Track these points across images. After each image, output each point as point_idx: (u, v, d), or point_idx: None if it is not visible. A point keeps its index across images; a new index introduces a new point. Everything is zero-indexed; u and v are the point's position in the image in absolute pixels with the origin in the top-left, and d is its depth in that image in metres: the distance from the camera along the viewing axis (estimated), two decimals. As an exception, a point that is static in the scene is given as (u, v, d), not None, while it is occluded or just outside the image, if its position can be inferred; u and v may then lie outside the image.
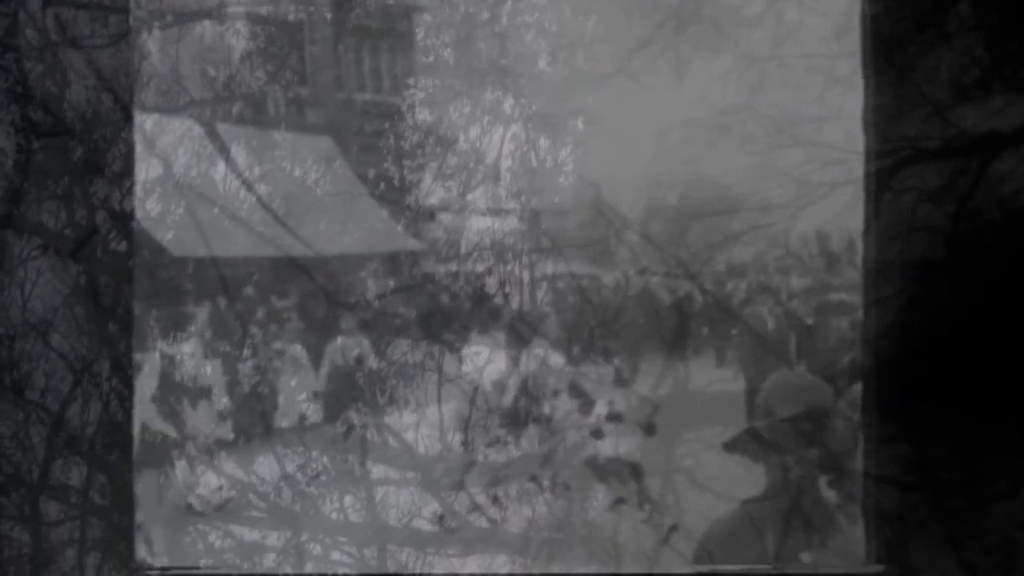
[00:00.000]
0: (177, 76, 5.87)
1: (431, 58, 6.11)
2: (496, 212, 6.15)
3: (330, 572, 5.71)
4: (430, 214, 6.20)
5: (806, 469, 5.45)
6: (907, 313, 5.16)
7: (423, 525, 5.90)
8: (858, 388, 5.42)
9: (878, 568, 5.32)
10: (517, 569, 5.83)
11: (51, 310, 5.45)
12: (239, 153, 6.04)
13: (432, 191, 6.17)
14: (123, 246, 5.59)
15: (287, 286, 6.11)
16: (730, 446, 5.73)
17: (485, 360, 6.10)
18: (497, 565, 5.81)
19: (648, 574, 5.70)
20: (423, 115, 6.12)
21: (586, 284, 6.36)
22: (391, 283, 6.14)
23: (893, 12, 5.06)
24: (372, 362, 5.97)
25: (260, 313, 6.15)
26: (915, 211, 5.13)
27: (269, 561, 5.79)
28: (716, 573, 5.63)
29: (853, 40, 5.18)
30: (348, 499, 5.90)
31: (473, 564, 5.81)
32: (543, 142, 6.05)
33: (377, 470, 6.00)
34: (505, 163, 6.15)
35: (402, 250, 6.21)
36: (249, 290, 6.22)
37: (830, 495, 5.40)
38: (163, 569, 5.48)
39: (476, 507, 5.89)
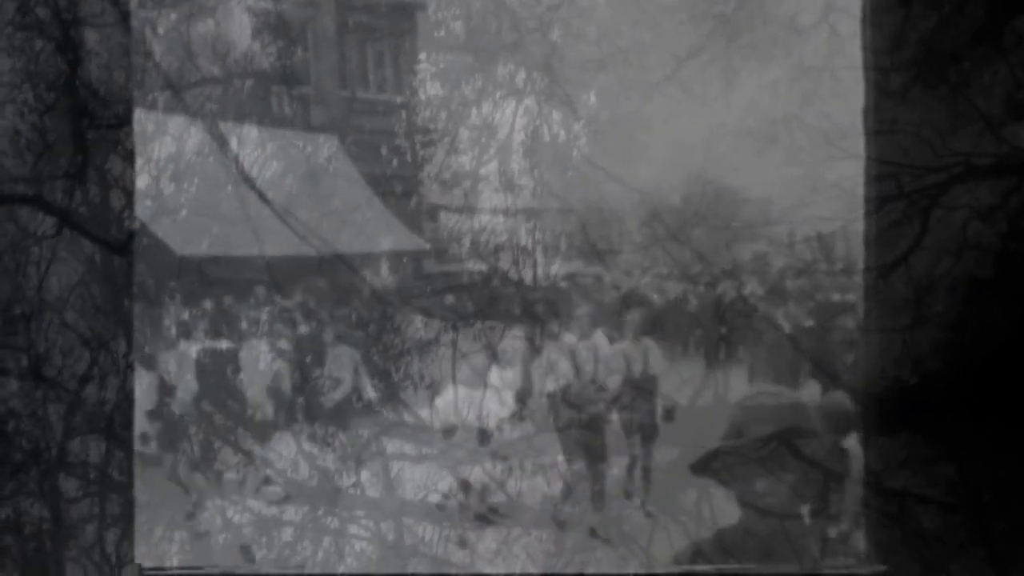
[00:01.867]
0: (188, 53, 5.89)
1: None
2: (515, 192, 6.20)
3: (331, 572, 5.76)
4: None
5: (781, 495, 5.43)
6: (954, 331, 5.08)
7: (439, 499, 5.97)
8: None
9: (879, 568, 5.25)
10: (533, 541, 5.86)
11: (67, 289, 5.46)
12: (249, 132, 6.05)
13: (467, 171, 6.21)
14: (137, 224, 5.68)
15: (297, 276, 6.17)
16: (697, 468, 5.73)
17: (500, 336, 6.15)
18: (513, 537, 5.84)
19: (649, 574, 5.67)
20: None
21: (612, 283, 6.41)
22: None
23: (949, 25, 4.99)
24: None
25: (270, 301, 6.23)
26: (966, 229, 5.05)
27: (286, 535, 5.88)
28: (716, 573, 5.59)
29: (907, 53, 5.10)
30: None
31: (489, 538, 5.84)
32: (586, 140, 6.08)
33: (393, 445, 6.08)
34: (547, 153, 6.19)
35: (410, 249, 6.26)
36: (260, 287, 6.29)
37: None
38: (164, 569, 5.56)
39: (493, 480, 5.93)
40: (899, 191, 5.17)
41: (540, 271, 6.24)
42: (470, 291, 6.16)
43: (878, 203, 5.23)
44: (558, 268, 6.29)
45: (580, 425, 6.06)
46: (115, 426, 5.54)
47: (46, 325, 5.42)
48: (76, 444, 5.46)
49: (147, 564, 5.57)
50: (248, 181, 6.03)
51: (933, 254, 5.13)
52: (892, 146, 5.17)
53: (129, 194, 5.62)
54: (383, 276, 6.28)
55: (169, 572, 5.55)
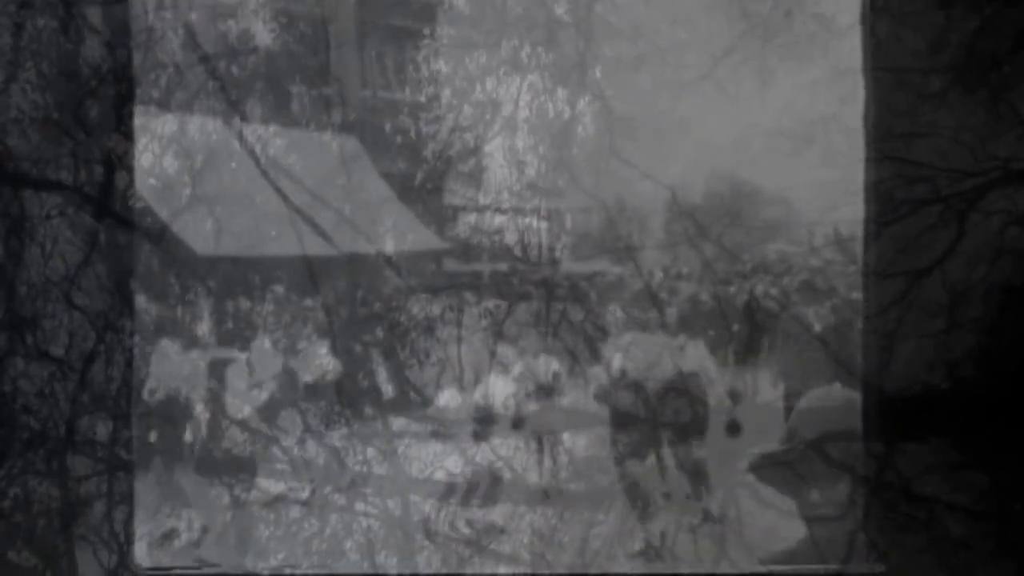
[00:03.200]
0: (190, 31, 5.90)
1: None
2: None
3: (333, 573, 5.78)
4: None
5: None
6: (989, 337, 5.04)
7: (444, 477, 5.99)
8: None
9: (879, 568, 5.21)
10: (539, 519, 5.87)
11: (72, 268, 5.44)
12: (253, 107, 6.06)
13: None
14: (141, 203, 5.68)
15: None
16: (755, 470, 5.70)
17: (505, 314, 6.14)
18: (519, 515, 5.85)
19: (653, 574, 5.66)
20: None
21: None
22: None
23: (991, 28, 4.94)
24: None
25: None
26: (1003, 234, 5.01)
27: (295, 512, 5.92)
28: (716, 574, 5.58)
29: (947, 55, 5.05)
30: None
31: (497, 514, 5.86)
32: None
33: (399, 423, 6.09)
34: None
35: (431, 248, 6.27)
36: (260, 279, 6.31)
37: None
38: (164, 569, 5.60)
39: (499, 458, 5.94)
40: (936, 195, 5.14)
41: (563, 269, 6.24)
42: (492, 290, 6.16)
43: (914, 206, 5.20)
44: (582, 266, 6.28)
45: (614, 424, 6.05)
46: (122, 405, 5.56)
47: (52, 304, 5.42)
48: (84, 423, 5.46)
49: (146, 564, 5.60)
50: (268, 179, 6.05)
51: (969, 259, 5.09)
52: (930, 149, 5.13)
53: (133, 173, 5.61)
54: (404, 275, 6.29)
55: (170, 572, 5.57)
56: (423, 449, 5.97)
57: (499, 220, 6.20)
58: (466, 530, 5.86)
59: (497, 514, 5.88)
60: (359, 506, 5.88)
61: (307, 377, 6.16)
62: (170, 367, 5.92)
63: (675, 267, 6.35)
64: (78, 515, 5.45)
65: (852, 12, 5.43)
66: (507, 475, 5.94)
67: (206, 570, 5.67)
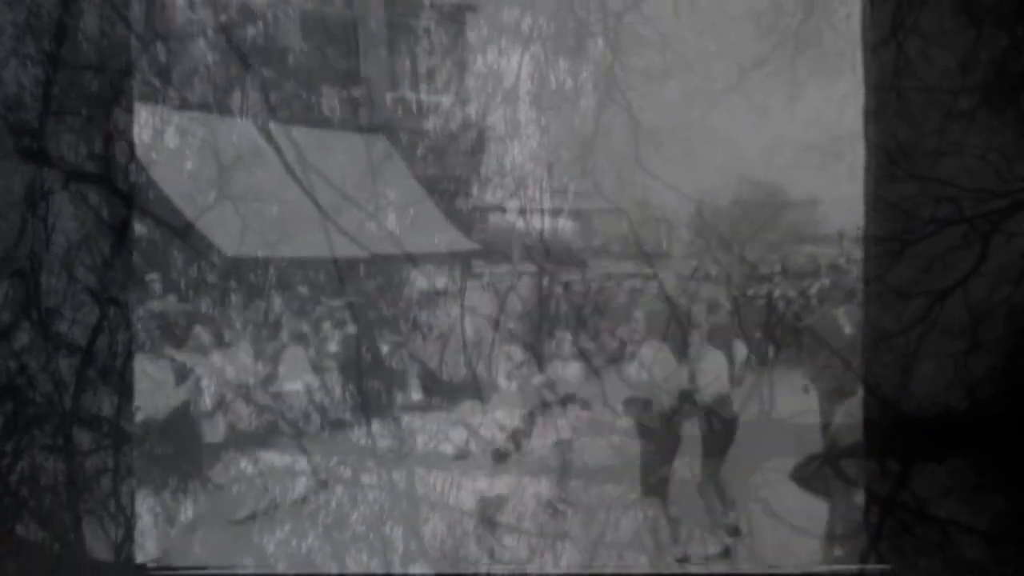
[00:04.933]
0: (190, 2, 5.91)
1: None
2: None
3: (337, 572, 5.82)
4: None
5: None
6: (1010, 360, 4.98)
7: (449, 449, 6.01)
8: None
9: (883, 568, 5.15)
10: (543, 490, 5.88)
11: (74, 243, 5.45)
12: (254, 81, 6.06)
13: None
14: (143, 177, 5.74)
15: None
16: (796, 477, 5.65)
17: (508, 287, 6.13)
18: (523, 485, 5.87)
19: (651, 574, 5.64)
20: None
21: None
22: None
23: (1020, 48, 4.89)
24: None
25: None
26: (1026, 257, 4.96)
27: (300, 486, 5.97)
28: (717, 574, 5.54)
29: (976, 74, 5.00)
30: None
31: (502, 485, 5.87)
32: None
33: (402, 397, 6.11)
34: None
35: (460, 249, 6.27)
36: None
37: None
38: (165, 569, 5.65)
39: (503, 431, 5.95)
40: (960, 215, 5.08)
41: (591, 272, 6.24)
42: (519, 291, 6.18)
43: (938, 226, 5.15)
44: (608, 268, 6.28)
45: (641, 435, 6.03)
46: (126, 379, 5.61)
47: (55, 280, 5.45)
48: (89, 398, 5.50)
49: (145, 561, 5.67)
50: (298, 182, 6.09)
51: (992, 280, 5.04)
52: (956, 168, 5.08)
53: (133, 146, 5.63)
54: (432, 275, 6.33)
55: (171, 572, 5.62)
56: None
57: (529, 221, 6.23)
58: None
59: (502, 485, 5.91)
60: (365, 478, 5.95)
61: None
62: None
63: (700, 270, 6.35)
64: (85, 489, 5.50)
65: (883, 29, 5.38)
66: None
67: (208, 570, 5.70)
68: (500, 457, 5.95)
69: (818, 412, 5.79)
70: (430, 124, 6.24)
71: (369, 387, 6.19)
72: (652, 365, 6.08)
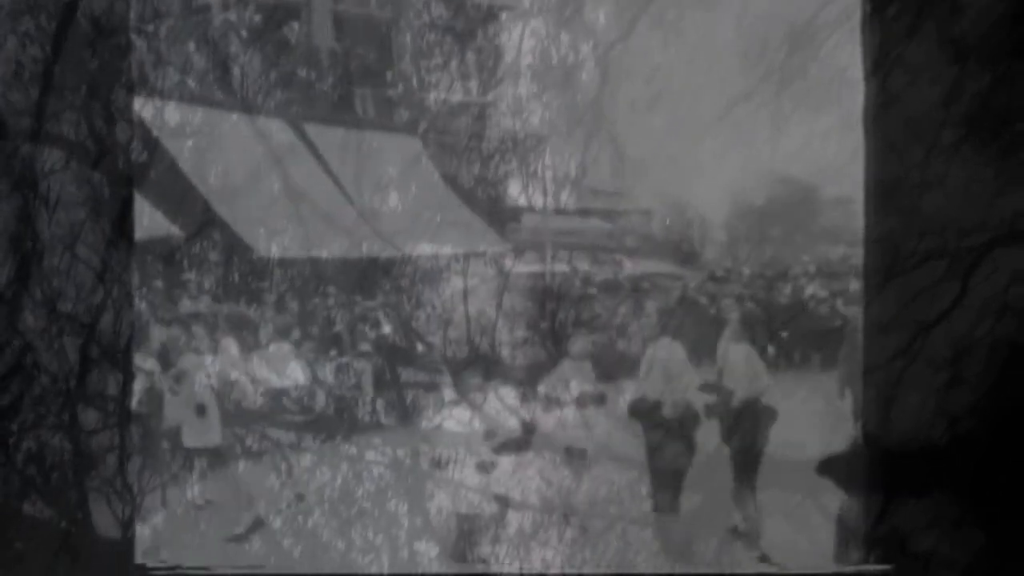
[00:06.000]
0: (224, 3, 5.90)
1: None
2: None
3: (340, 572, 5.77)
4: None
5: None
6: (991, 394, 5.00)
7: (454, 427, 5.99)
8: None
9: (883, 568, 5.13)
10: (547, 466, 5.84)
11: (77, 223, 5.41)
12: (254, 57, 6.03)
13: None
14: (144, 156, 5.71)
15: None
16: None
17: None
18: (526, 462, 5.83)
19: (651, 574, 5.60)
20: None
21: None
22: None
23: (1003, 85, 4.94)
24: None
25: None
26: (1008, 291, 4.98)
27: (305, 461, 5.93)
28: (717, 574, 5.51)
29: (960, 110, 5.05)
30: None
31: (506, 463, 5.84)
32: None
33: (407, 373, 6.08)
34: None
35: (492, 250, 6.24)
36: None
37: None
38: (167, 568, 5.58)
39: (507, 407, 5.90)
40: (943, 248, 5.11)
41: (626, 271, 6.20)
42: (551, 292, 6.15)
43: (921, 259, 5.17)
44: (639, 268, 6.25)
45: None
46: (131, 358, 5.58)
47: (58, 259, 5.42)
48: (94, 377, 5.48)
49: (149, 563, 5.64)
50: (337, 182, 6.06)
51: (974, 315, 5.06)
52: (939, 202, 5.12)
53: (134, 125, 5.60)
54: (467, 276, 6.28)
55: (172, 571, 5.60)
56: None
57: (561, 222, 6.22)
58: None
59: (506, 461, 5.88)
60: (370, 454, 5.92)
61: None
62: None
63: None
64: (91, 467, 5.46)
65: (868, 63, 5.44)
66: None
67: (212, 570, 5.63)
68: (484, 468, 5.92)
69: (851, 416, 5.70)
70: (462, 125, 6.22)
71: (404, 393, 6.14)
72: (666, 364, 5.97)
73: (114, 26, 5.53)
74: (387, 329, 6.32)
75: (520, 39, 6.15)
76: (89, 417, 5.46)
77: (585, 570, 5.70)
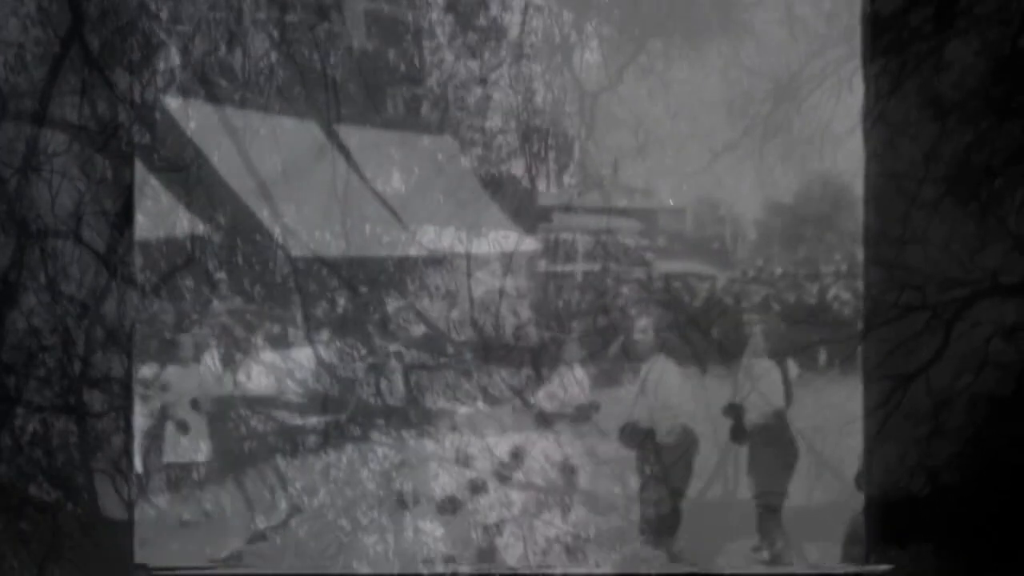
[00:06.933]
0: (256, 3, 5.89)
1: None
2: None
3: (342, 572, 5.70)
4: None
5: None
6: (971, 446, 5.05)
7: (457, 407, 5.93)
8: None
9: (883, 568, 5.12)
10: (550, 445, 5.78)
11: (80, 205, 5.38)
12: (258, 35, 6.00)
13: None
14: (147, 138, 5.58)
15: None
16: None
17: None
18: (531, 441, 5.78)
19: (651, 574, 5.56)
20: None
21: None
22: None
23: (983, 142, 5.04)
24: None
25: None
26: (988, 345, 5.05)
27: (310, 442, 5.86)
28: (717, 574, 5.47)
29: (940, 166, 5.15)
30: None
31: (508, 442, 5.81)
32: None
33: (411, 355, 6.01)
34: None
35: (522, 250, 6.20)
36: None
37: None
38: (166, 569, 5.53)
39: (510, 388, 5.83)
40: (923, 302, 5.19)
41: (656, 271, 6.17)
42: (583, 291, 6.12)
43: (902, 312, 5.24)
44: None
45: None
46: (135, 339, 5.53)
47: (61, 242, 5.38)
48: (98, 359, 5.43)
49: (150, 564, 5.54)
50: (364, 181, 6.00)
51: (954, 368, 5.12)
52: (920, 256, 5.20)
53: (136, 107, 5.54)
54: (498, 276, 6.21)
55: (174, 572, 5.52)
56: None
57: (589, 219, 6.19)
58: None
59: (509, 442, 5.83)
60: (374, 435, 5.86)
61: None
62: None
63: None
64: (96, 449, 5.42)
65: (850, 118, 5.54)
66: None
67: (214, 570, 5.62)
68: (476, 488, 5.85)
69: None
70: (493, 124, 6.20)
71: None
72: (657, 387, 5.89)
73: (116, 5, 5.50)
74: (418, 329, 6.23)
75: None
76: (95, 399, 5.42)
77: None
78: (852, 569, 5.25)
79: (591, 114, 6.03)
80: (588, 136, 6.06)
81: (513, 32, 5.99)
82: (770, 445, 5.75)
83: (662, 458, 5.78)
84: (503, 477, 5.84)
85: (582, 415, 5.89)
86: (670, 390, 5.83)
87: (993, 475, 5.00)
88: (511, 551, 5.75)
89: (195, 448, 5.99)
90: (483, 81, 6.06)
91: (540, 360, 5.91)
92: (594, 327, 5.98)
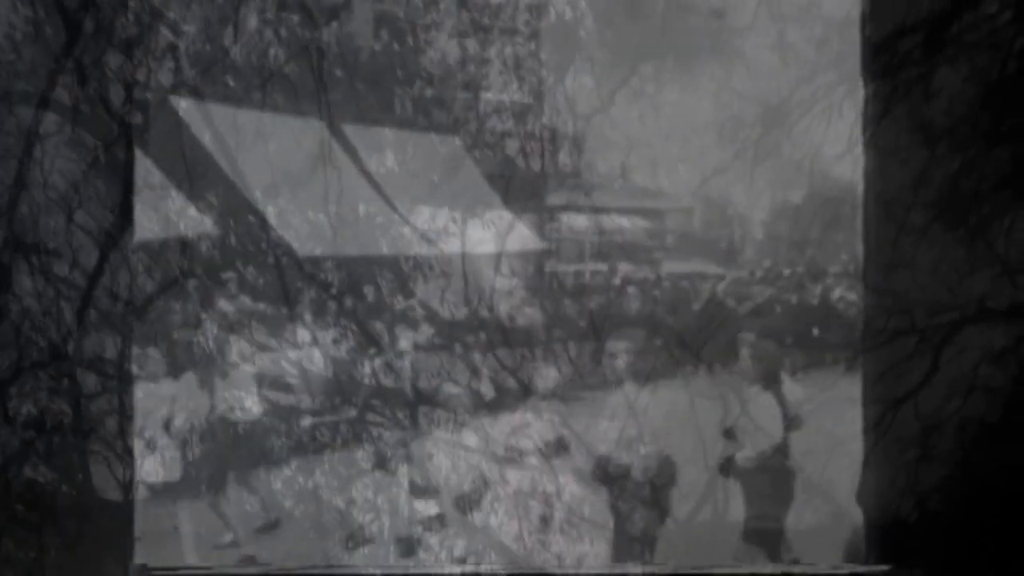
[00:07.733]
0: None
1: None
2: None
3: (345, 572, 5.65)
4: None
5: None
6: (960, 471, 5.05)
7: (452, 389, 5.91)
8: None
9: (882, 568, 5.11)
10: (547, 425, 5.74)
11: (72, 186, 5.33)
12: (250, 14, 5.96)
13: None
14: (139, 118, 5.53)
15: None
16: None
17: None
18: (526, 421, 5.73)
19: (649, 574, 5.52)
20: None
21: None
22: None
23: (972, 168, 5.08)
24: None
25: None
26: (976, 370, 5.06)
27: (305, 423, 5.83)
28: (717, 573, 5.44)
29: (930, 192, 5.18)
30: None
31: (504, 424, 5.77)
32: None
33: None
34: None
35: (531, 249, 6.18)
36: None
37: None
38: (167, 569, 5.50)
39: (504, 368, 5.79)
40: (912, 326, 5.20)
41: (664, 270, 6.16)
42: (593, 292, 6.10)
43: (890, 336, 5.26)
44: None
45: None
46: (129, 320, 5.49)
47: (54, 223, 5.34)
48: (92, 340, 5.39)
49: (152, 564, 5.49)
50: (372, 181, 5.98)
51: (943, 392, 5.14)
52: (908, 281, 5.22)
53: (129, 87, 5.48)
54: (506, 276, 6.18)
55: (175, 572, 5.47)
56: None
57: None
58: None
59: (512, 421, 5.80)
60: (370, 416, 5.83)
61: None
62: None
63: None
64: (91, 431, 5.37)
65: (840, 143, 5.58)
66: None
67: (214, 570, 5.56)
68: (471, 503, 5.81)
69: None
70: (502, 124, 6.18)
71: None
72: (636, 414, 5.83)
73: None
74: (425, 329, 6.20)
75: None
76: (88, 380, 5.38)
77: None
78: (851, 569, 5.24)
79: (581, 137, 6.05)
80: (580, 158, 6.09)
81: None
82: (766, 472, 5.70)
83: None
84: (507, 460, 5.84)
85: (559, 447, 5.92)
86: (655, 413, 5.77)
87: (982, 500, 4.99)
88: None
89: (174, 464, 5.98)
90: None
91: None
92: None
